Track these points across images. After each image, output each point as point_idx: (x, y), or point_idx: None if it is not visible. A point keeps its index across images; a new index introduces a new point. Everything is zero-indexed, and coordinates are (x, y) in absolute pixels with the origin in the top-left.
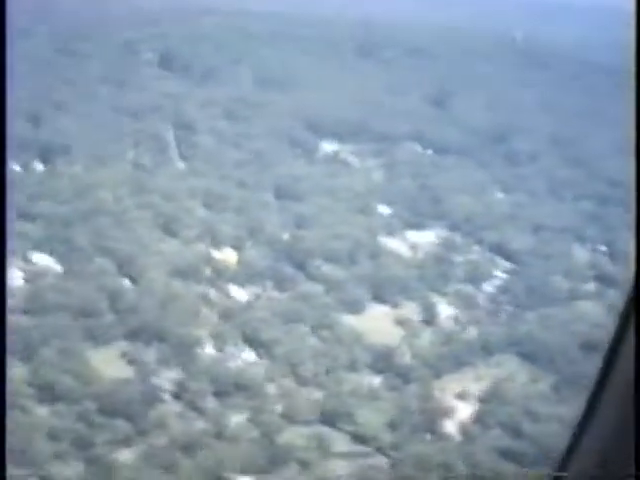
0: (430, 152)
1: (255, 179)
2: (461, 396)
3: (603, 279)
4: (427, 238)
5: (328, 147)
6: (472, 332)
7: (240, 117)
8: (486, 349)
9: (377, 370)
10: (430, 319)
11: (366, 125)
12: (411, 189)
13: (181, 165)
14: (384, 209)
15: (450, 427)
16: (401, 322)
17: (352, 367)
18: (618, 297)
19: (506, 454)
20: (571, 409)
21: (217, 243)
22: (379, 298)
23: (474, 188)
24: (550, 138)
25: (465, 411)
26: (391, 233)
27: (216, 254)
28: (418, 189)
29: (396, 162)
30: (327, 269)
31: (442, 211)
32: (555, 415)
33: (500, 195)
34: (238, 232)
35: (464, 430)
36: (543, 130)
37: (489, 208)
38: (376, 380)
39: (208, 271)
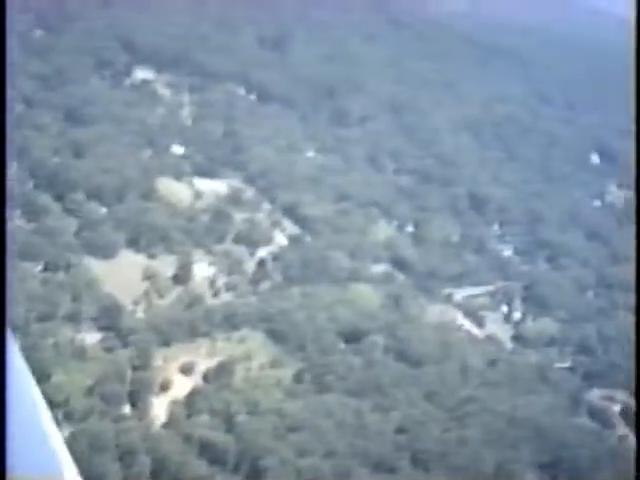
0: (253, 97)
1: (44, 96)
2: (185, 370)
3: (398, 263)
4: (216, 188)
5: (141, 74)
6: (223, 299)
7: (52, 28)
8: (232, 321)
9: (99, 326)
10: (183, 278)
11: (190, 58)
12: (216, 133)
13: None
14: (178, 149)
15: (158, 404)
16: (150, 276)
17: (71, 318)
18: (408, 284)
19: (203, 448)
20: (304, 404)
21: None
22: (136, 246)
23: (285, 142)
24: (387, 103)
25: (182, 388)
26: (177, 177)
27: None
28: (224, 134)
29: (211, 102)
30: (88, 205)
31: (242, 161)
32: (281, 410)
33: (311, 154)
34: None
35: (171, 410)
36: (381, 93)
37: (294, 166)
38: (93, 337)
39: None
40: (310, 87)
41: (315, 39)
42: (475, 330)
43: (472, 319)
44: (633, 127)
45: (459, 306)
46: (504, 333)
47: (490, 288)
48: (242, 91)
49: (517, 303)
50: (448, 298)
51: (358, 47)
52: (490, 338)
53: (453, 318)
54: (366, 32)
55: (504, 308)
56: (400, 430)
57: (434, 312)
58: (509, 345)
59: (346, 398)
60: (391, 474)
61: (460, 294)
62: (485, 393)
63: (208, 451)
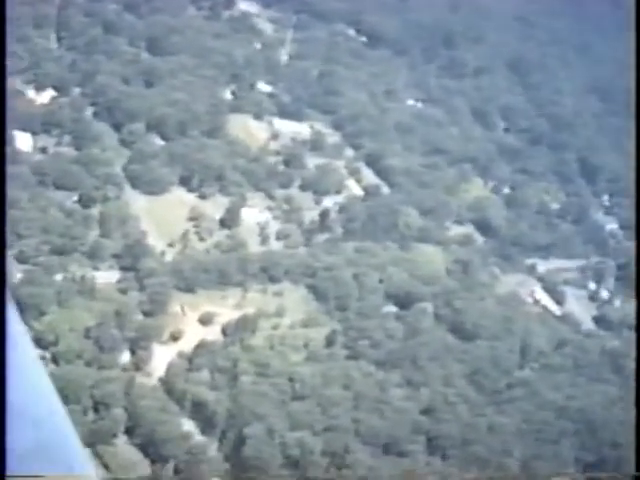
0: (363, 39)
1: (127, 22)
2: (204, 320)
3: (482, 226)
4: (298, 130)
5: (243, 6)
6: (269, 248)
7: None
8: (271, 272)
9: (122, 265)
10: (230, 221)
11: None
12: (312, 73)
13: None
14: (265, 87)
15: (161, 355)
16: (196, 216)
17: (92, 255)
18: (486, 250)
19: (194, 407)
20: (323, 370)
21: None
22: (188, 184)
23: (385, 88)
24: (509, 58)
25: (195, 340)
26: (257, 115)
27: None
28: (319, 75)
29: (314, 40)
30: (146, 137)
31: (333, 104)
32: (294, 374)
33: (411, 103)
34: (65, 74)
35: (173, 363)
36: (504, 47)
37: (387, 114)
38: (111, 277)
39: None
40: (427, 35)
41: None
42: (552, 306)
43: (552, 294)
44: None
45: (540, 279)
46: (585, 313)
47: (582, 262)
48: (352, 33)
49: (609, 281)
50: (530, 269)
51: None
52: (567, 317)
53: (530, 291)
54: None
55: (592, 285)
56: (425, 410)
57: (509, 283)
58: (588, 326)
59: (374, 368)
60: (398, 458)
61: (545, 266)
62: (542, 377)
63: (198, 411)
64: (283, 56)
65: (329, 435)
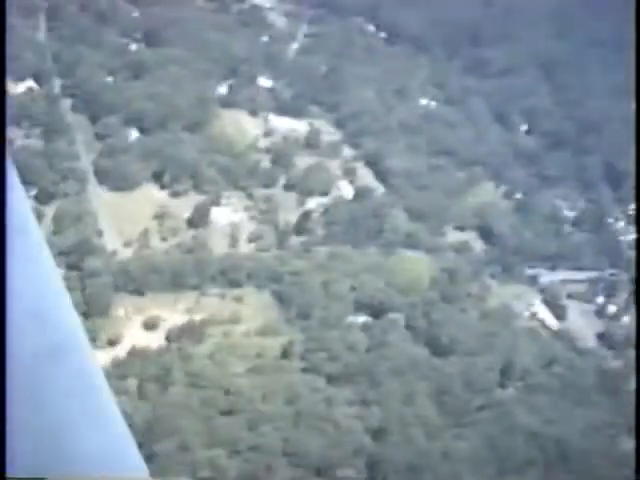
0: (382, 35)
1: (123, 13)
2: (149, 325)
3: (485, 233)
4: (294, 127)
5: (256, 0)
6: (240, 250)
7: None
8: (232, 276)
9: (67, 264)
10: (198, 220)
11: None
12: (319, 69)
13: None
14: (266, 82)
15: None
16: (162, 214)
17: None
18: (483, 259)
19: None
20: (266, 383)
21: None
22: (160, 180)
23: (397, 86)
24: (539, 57)
25: (128, 348)
26: (252, 111)
27: None
28: (328, 71)
29: (329, 35)
30: (123, 131)
31: (337, 102)
32: (231, 387)
33: (425, 102)
34: (47, 65)
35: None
36: (534, 46)
37: (394, 113)
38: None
39: None
40: (451, 32)
41: None
42: (550, 321)
43: (552, 308)
44: None
45: (542, 291)
46: (588, 329)
47: (593, 275)
48: (371, 28)
49: (620, 296)
50: (531, 280)
51: None
52: (565, 333)
53: (527, 305)
54: None
55: (601, 300)
56: (373, 431)
57: (504, 294)
58: (587, 344)
59: (325, 383)
60: None
61: (550, 277)
62: (520, 399)
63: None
64: (291, 51)
65: (250, 455)
